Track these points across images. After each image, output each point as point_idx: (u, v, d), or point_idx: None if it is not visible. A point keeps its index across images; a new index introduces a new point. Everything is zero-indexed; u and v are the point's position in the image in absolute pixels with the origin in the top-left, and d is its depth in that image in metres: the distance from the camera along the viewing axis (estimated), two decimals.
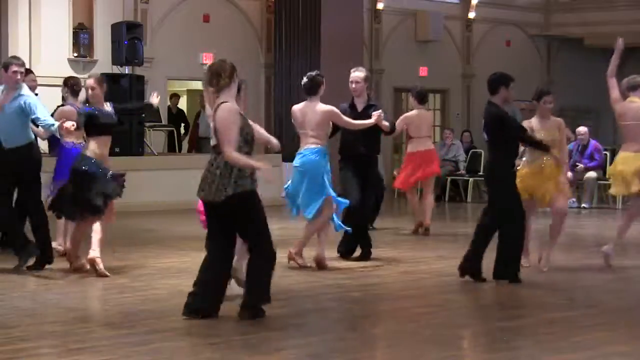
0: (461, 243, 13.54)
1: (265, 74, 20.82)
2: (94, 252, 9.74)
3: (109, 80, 15.88)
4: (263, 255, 7.71)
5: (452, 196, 20.64)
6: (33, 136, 10.34)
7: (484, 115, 9.81)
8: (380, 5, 22.79)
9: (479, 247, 9.80)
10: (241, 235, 7.85)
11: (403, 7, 23.14)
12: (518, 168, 9.99)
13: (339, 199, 10.46)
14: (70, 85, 11.44)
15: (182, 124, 21.88)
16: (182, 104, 23.12)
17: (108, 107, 10.10)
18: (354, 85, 10.90)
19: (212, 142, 7.77)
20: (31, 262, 10.12)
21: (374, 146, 11.12)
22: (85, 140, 10.48)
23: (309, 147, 10.29)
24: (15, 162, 10.09)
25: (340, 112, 10.40)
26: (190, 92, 23.91)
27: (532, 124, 10.32)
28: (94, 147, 9.96)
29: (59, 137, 10.33)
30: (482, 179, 20.53)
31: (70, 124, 9.71)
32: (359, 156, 10.97)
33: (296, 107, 10.49)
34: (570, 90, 25.07)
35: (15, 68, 10.07)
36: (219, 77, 7.62)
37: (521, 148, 10.16)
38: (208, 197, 7.64)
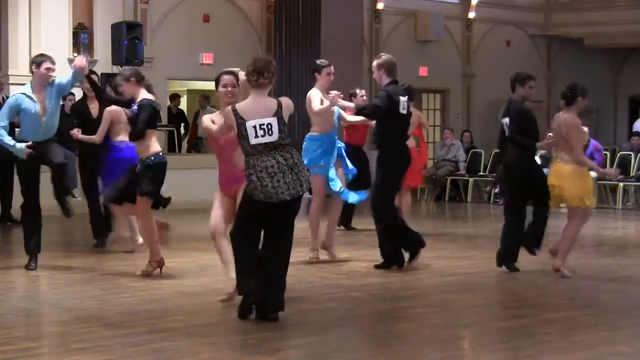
0: (461, 243, 13.57)
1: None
2: None
3: (110, 80, 15.95)
4: (289, 254, 7.76)
5: (452, 196, 20.65)
6: None
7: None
8: (380, 5, 22.77)
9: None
10: (282, 231, 7.66)
11: (403, 7, 23.12)
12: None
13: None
14: (114, 86, 11.58)
15: (182, 124, 21.91)
16: (182, 104, 23.13)
17: None
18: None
19: (276, 138, 7.53)
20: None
21: (379, 137, 10.65)
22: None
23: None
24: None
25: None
26: (190, 92, 23.91)
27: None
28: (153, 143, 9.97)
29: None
30: (482, 179, 20.65)
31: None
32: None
33: None
34: None
35: (48, 65, 10.16)
36: (273, 74, 7.63)
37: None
38: (292, 193, 7.46)
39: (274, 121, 7.53)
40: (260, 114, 7.54)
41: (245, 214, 7.69)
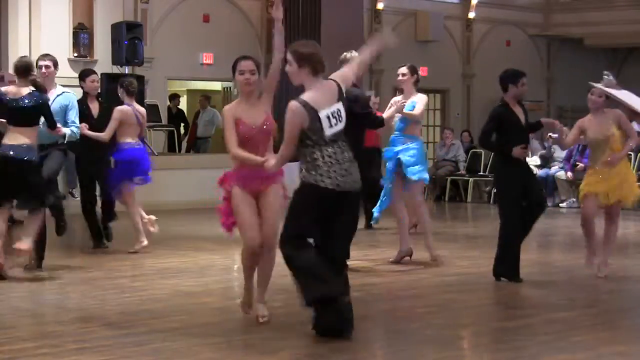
0: (461, 243, 13.57)
1: (265, 74, 20.80)
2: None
3: (110, 80, 15.95)
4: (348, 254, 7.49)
5: (452, 196, 20.65)
6: None
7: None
8: (380, 5, 22.77)
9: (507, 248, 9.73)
10: (348, 231, 7.05)
11: (403, 7, 23.12)
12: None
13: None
14: (125, 86, 11.56)
15: (182, 124, 21.92)
16: (182, 104, 23.14)
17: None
18: None
19: (344, 123, 6.89)
20: None
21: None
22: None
23: None
24: None
25: None
26: (190, 92, 23.92)
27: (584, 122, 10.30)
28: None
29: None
30: (482, 179, 20.66)
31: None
32: None
33: None
34: (570, 90, 25.05)
35: (40, 63, 10.42)
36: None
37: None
38: (354, 185, 6.87)
39: (340, 106, 6.88)
40: (329, 100, 6.85)
41: (301, 213, 6.87)
